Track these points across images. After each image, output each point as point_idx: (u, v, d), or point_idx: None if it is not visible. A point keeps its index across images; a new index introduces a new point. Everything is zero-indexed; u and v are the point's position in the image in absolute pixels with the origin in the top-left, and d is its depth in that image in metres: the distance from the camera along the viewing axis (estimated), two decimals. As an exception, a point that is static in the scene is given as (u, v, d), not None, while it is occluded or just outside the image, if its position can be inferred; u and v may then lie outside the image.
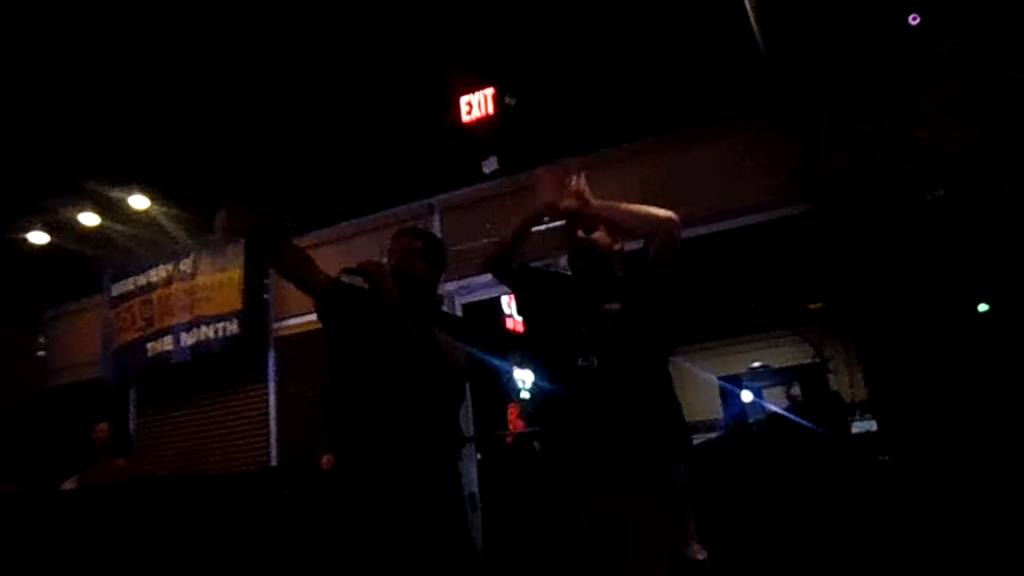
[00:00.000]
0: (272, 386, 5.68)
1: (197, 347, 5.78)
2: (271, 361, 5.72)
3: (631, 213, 2.39)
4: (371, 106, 4.99)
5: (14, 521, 4.08)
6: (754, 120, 4.43)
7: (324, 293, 2.27)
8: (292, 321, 5.63)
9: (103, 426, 5.34)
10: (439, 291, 5.02)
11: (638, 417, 2.17)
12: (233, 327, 5.65)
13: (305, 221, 5.69)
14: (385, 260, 2.35)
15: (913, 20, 3.81)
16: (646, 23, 4.26)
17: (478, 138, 4.92)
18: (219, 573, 4.29)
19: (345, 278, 2.25)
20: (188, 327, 5.85)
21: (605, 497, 2.12)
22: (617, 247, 2.45)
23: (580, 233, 2.45)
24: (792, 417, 4.25)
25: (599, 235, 2.43)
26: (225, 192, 2.14)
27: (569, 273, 2.59)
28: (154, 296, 6.12)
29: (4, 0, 3.93)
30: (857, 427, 4.51)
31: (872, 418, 4.18)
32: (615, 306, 2.28)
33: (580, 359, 2.23)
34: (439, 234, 5.18)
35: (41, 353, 6.97)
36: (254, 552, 4.31)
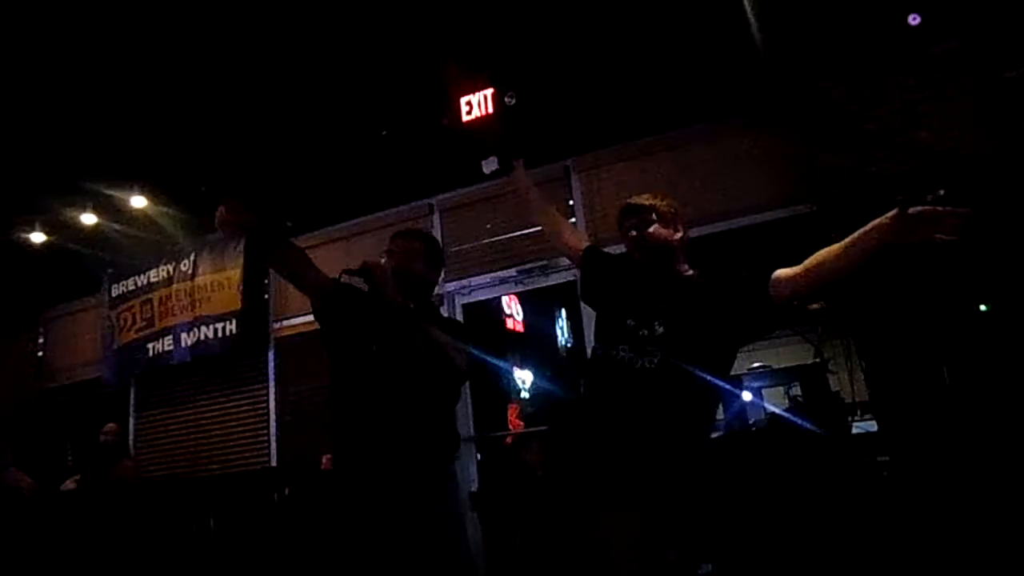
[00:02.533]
0: (272, 386, 5.69)
1: (197, 347, 5.78)
2: (271, 361, 5.72)
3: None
4: (371, 106, 4.99)
5: (14, 521, 4.08)
6: (754, 120, 4.43)
7: (323, 292, 2.27)
8: (292, 321, 5.64)
9: (112, 427, 5.35)
10: (439, 291, 5.06)
11: (653, 428, 2.05)
12: (233, 327, 5.65)
13: (305, 221, 5.69)
14: (384, 261, 2.35)
15: (913, 20, 3.81)
16: (646, 23, 4.25)
17: (478, 138, 4.91)
18: (219, 572, 4.29)
19: (345, 278, 2.24)
20: (188, 327, 5.85)
21: (595, 496, 2.08)
22: (677, 236, 2.28)
23: (633, 232, 2.28)
24: (792, 418, 4.23)
25: (654, 228, 2.26)
26: (224, 190, 2.14)
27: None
28: (154, 296, 6.13)
29: (4, 0, 3.92)
30: (857, 427, 4.50)
31: (872, 418, 4.17)
32: (671, 308, 2.14)
33: (619, 351, 2.12)
34: (439, 234, 5.19)
35: (41, 353, 6.97)
36: (254, 552, 4.31)
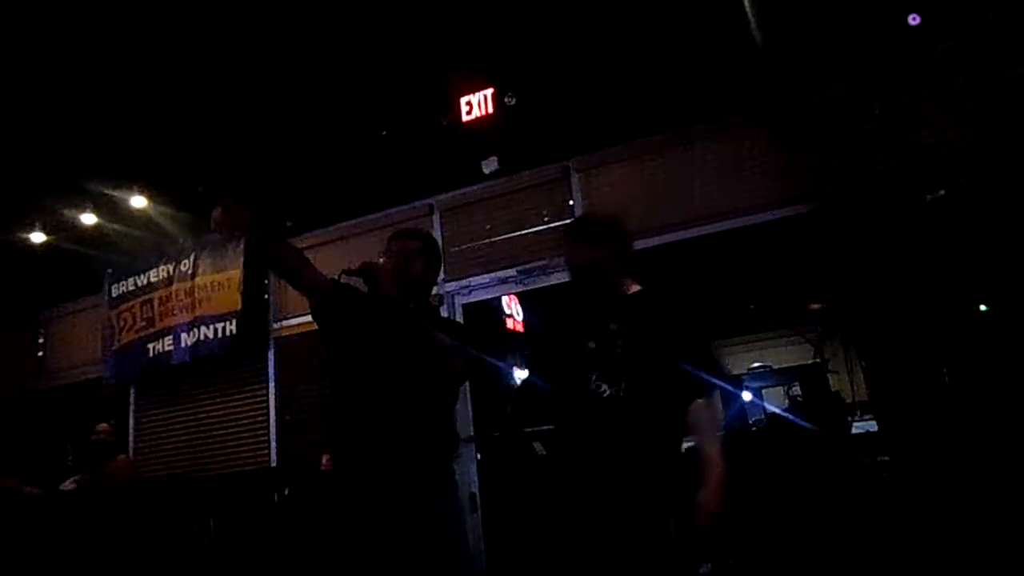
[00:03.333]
0: (272, 386, 5.68)
1: (197, 347, 5.78)
2: (271, 361, 5.72)
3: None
4: (371, 106, 4.99)
5: (14, 521, 4.08)
6: (754, 120, 4.43)
7: (321, 292, 2.27)
8: (292, 321, 5.63)
9: (104, 427, 5.35)
10: (439, 291, 5.06)
11: (627, 467, 2.10)
12: (233, 327, 5.65)
13: (305, 221, 5.70)
14: (382, 261, 2.35)
15: (913, 20, 3.81)
16: (646, 23, 4.26)
17: (478, 138, 4.92)
18: (219, 572, 4.29)
19: (344, 279, 2.24)
20: (188, 327, 5.85)
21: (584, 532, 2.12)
22: (607, 254, 2.30)
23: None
24: (792, 417, 4.24)
25: (574, 254, 2.36)
26: (221, 190, 2.14)
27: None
28: (154, 296, 6.12)
29: (4, 0, 3.93)
30: (857, 427, 4.51)
31: (872, 418, 4.17)
32: (621, 327, 2.18)
33: (591, 381, 2.15)
34: (439, 234, 5.19)
35: (41, 353, 6.97)
36: (254, 552, 4.31)
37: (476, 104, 4.84)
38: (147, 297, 6.17)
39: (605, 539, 2.09)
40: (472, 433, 4.95)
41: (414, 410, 2.20)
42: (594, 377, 2.14)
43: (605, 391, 2.13)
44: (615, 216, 2.45)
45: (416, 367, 2.19)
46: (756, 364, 5.40)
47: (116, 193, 5.62)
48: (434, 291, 5.03)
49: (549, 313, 2.45)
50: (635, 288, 2.30)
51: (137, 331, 6.16)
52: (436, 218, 5.33)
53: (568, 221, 2.39)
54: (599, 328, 2.20)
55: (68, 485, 5.07)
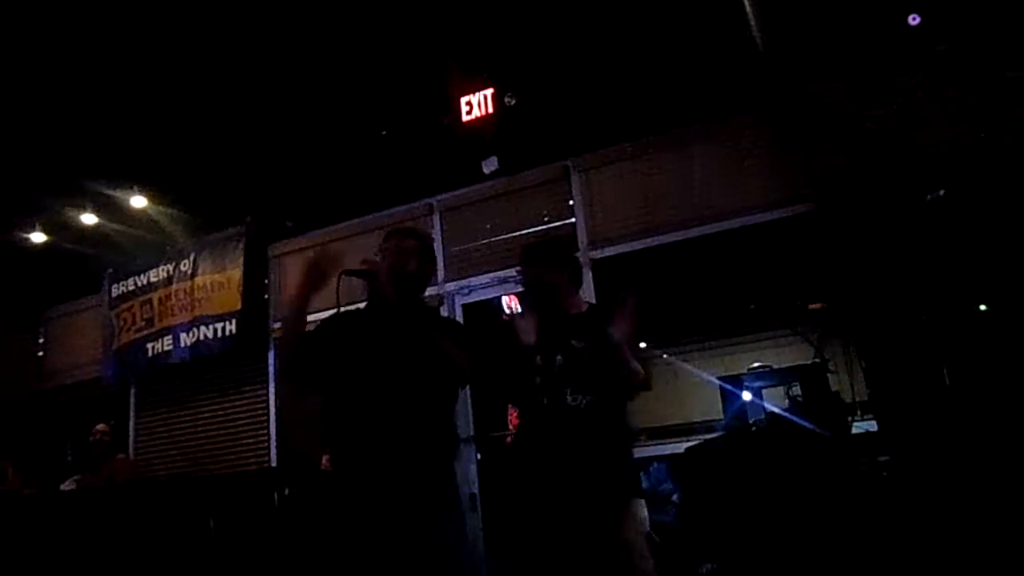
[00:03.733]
0: (272, 386, 5.68)
1: (196, 347, 5.78)
2: (271, 361, 5.72)
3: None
4: (371, 106, 4.99)
5: (14, 521, 4.09)
6: (754, 120, 4.43)
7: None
8: (292, 321, 5.62)
9: (102, 427, 5.34)
10: (439, 291, 5.06)
11: (610, 468, 2.28)
12: (232, 327, 5.65)
13: (305, 221, 5.69)
14: (379, 260, 2.35)
15: (913, 20, 3.81)
16: (646, 22, 4.26)
17: (478, 138, 4.92)
18: (219, 572, 4.29)
19: (345, 279, 2.24)
20: (188, 327, 5.85)
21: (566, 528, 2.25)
22: (564, 275, 2.48)
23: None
24: (792, 418, 4.23)
25: (533, 277, 2.52)
26: (222, 191, 2.15)
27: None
28: (154, 296, 6.12)
29: (4, 0, 3.93)
30: (857, 427, 4.50)
31: (872, 418, 4.17)
32: (583, 344, 2.35)
33: (567, 395, 2.30)
34: (439, 234, 5.19)
35: (41, 353, 6.97)
36: (254, 552, 4.31)
37: (476, 104, 4.84)
38: (147, 297, 6.17)
39: (597, 534, 2.22)
40: (472, 433, 4.95)
41: (413, 410, 2.19)
42: (569, 391, 2.31)
43: (581, 403, 2.30)
44: (568, 240, 2.65)
45: (414, 367, 2.19)
46: (756, 364, 5.39)
47: (116, 193, 5.62)
48: (434, 291, 5.04)
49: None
50: (585, 305, 2.53)
51: (137, 331, 6.16)
52: (436, 218, 5.32)
53: (536, 240, 2.64)
54: (562, 344, 2.37)
55: (68, 485, 5.07)
